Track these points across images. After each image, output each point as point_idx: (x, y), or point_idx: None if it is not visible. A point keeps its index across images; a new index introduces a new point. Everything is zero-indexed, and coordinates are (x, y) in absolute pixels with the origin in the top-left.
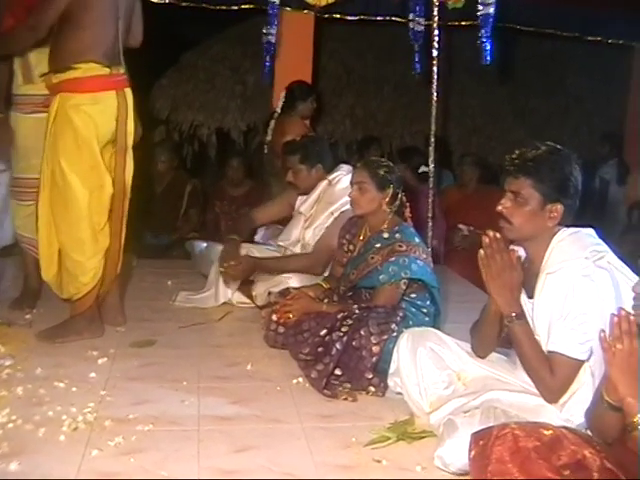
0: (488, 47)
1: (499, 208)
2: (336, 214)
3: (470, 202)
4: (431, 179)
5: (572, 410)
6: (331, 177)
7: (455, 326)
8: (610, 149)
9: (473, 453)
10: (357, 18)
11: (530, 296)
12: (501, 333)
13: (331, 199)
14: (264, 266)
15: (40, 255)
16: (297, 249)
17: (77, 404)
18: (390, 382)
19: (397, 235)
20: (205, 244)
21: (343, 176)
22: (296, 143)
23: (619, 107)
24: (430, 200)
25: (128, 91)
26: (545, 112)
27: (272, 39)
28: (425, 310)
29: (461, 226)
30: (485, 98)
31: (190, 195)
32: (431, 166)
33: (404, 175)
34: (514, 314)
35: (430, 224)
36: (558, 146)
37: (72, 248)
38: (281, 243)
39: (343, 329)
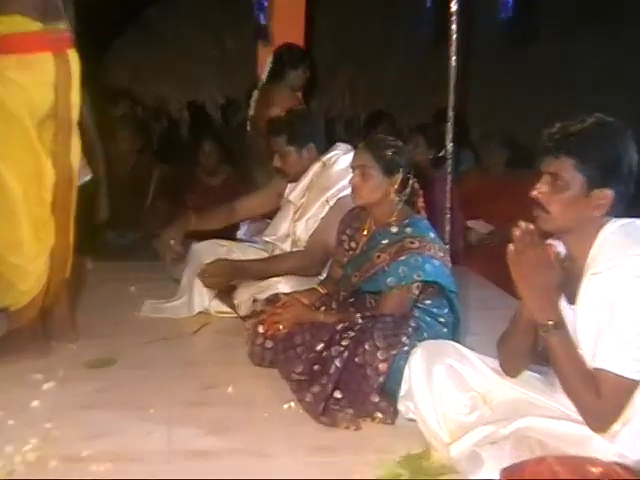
0: None
1: (534, 193)
2: (332, 201)
3: (495, 190)
4: (449, 161)
5: (626, 442)
6: (325, 158)
7: (478, 338)
8: None
9: None
10: None
11: (571, 301)
12: (536, 346)
13: (326, 184)
14: (247, 270)
15: None
16: (287, 246)
17: (14, 440)
18: (401, 407)
19: (408, 229)
20: None
21: (340, 156)
22: (281, 120)
23: None
24: (447, 187)
25: (72, 53)
26: (592, 77)
27: None
28: (442, 319)
29: (471, 223)
30: (514, 63)
31: (157, 183)
32: (449, 146)
33: (423, 157)
34: (551, 322)
35: (448, 216)
36: (608, 118)
37: (8, 249)
38: (267, 238)
39: (343, 343)
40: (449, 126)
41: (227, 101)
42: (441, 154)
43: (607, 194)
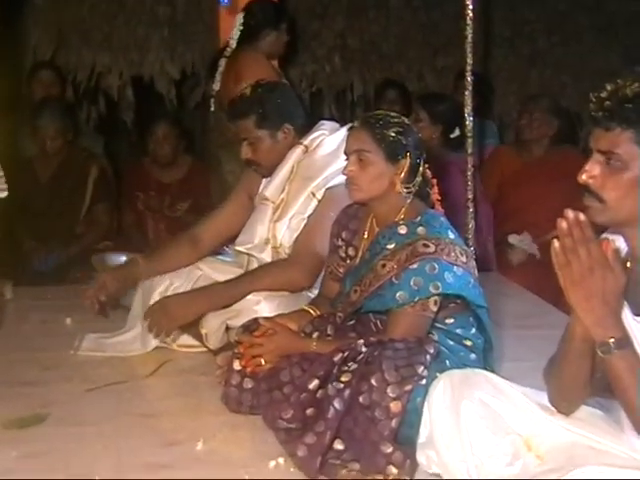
0: None
1: (583, 177)
2: (320, 194)
3: (535, 176)
4: (469, 141)
5: None
6: (307, 140)
7: (517, 365)
8: None
9: None
10: None
11: (638, 312)
12: (594, 372)
13: (310, 172)
14: (213, 300)
15: None
16: (266, 255)
17: None
18: (421, 457)
19: (420, 229)
20: (123, 258)
21: (326, 137)
22: (245, 98)
23: None
24: (469, 173)
25: None
26: None
27: None
28: (469, 342)
29: (513, 238)
30: (553, 4)
31: (96, 184)
32: (468, 119)
33: (425, 134)
34: (612, 340)
35: (471, 210)
36: None
37: None
38: (240, 248)
39: (344, 378)
40: (468, 95)
41: (183, 75)
42: (454, 134)
43: None
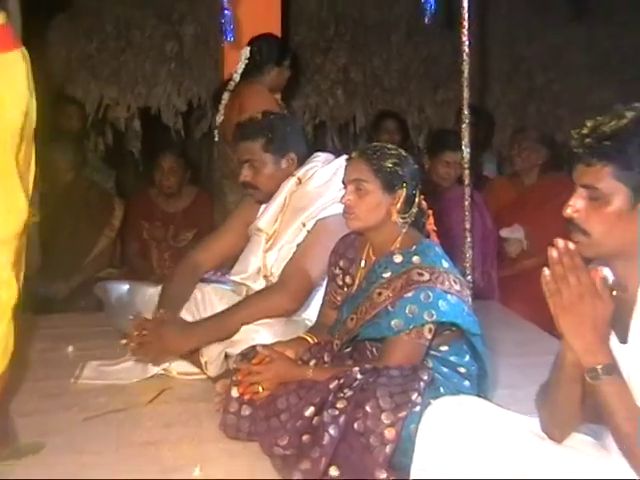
0: None
1: (567, 212)
2: (310, 225)
3: (529, 202)
4: (466, 172)
5: None
6: (301, 173)
7: (512, 392)
8: None
9: None
10: None
11: (623, 340)
12: (585, 398)
13: (301, 203)
14: (210, 328)
15: None
16: (259, 285)
17: None
18: None
19: (415, 258)
20: (127, 286)
21: (318, 169)
22: (256, 122)
23: None
24: (466, 203)
25: (24, 51)
26: None
27: None
28: (463, 369)
29: (504, 232)
30: (549, 42)
31: (99, 214)
32: (465, 151)
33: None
34: (600, 366)
35: (468, 239)
36: None
37: None
38: (235, 278)
39: (339, 405)
40: (465, 127)
41: (189, 107)
42: None
43: None
